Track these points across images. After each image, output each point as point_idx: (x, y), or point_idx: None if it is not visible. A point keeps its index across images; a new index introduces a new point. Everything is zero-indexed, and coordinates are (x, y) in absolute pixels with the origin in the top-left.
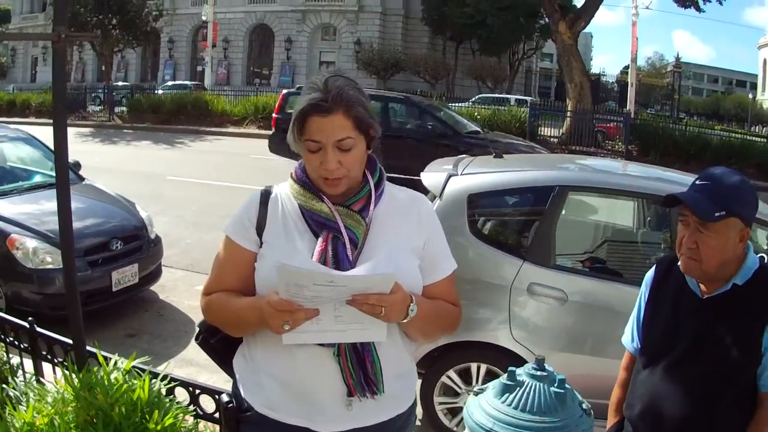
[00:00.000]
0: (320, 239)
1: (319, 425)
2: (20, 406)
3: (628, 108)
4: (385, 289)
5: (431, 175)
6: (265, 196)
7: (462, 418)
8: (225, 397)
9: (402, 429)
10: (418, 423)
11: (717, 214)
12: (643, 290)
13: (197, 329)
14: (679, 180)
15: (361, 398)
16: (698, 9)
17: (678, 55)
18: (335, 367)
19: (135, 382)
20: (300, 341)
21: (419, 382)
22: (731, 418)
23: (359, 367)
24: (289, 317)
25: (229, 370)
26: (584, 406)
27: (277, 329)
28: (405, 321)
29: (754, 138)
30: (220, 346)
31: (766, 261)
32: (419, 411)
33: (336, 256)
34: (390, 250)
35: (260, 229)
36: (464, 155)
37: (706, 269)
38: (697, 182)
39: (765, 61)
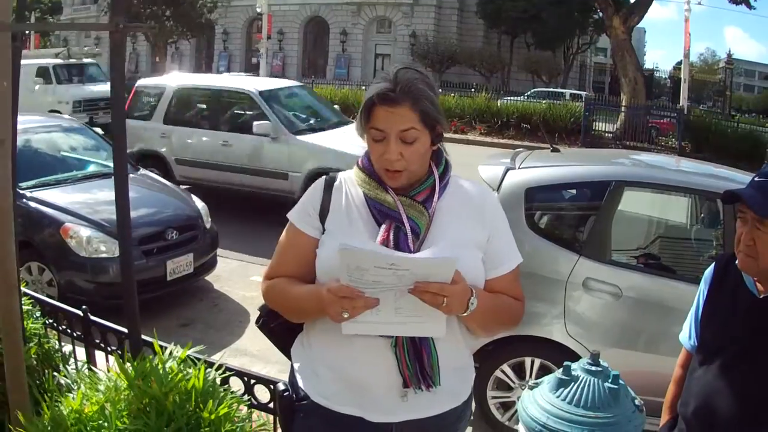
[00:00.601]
0: (382, 228)
1: (373, 416)
2: (69, 394)
3: (681, 104)
4: (447, 276)
5: (489, 168)
6: (330, 183)
7: (514, 413)
8: (281, 386)
9: (456, 423)
10: (471, 417)
11: None
12: (702, 287)
13: (258, 313)
14: (732, 177)
15: (417, 390)
16: (749, 6)
17: (730, 51)
18: (392, 358)
19: (190, 371)
20: (359, 332)
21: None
22: None
23: (416, 359)
24: (348, 305)
25: (288, 355)
26: (637, 402)
27: (336, 317)
28: (465, 314)
29: None
30: (280, 330)
31: None
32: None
33: (397, 246)
34: (452, 241)
35: (323, 215)
36: (521, 149)
37: (763, 266)
38: (756, 179)
39: None
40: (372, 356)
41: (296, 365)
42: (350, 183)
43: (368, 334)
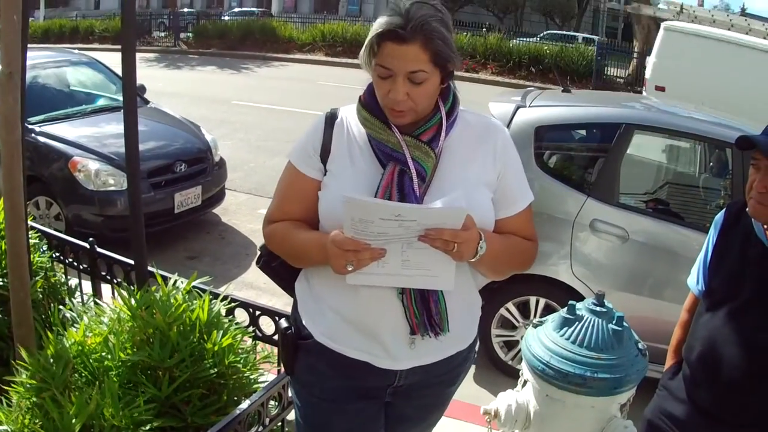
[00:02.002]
0: (386, 171)
1: (380, 361)
2: (73, 327)
3: None
4: (457, 224)
5: (499, 106)
6: (331, 120)
7: (518, 352)
8: (284, 323)
9: (462, 364)
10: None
11: None
12: (712, 233)
13: (258, 252)
14: (743, 127)
15: (424, 337)
16: None
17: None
18: (399, 306)
19: (195, 302)
20: (364, 282)
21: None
22: None
23: (423, 308)
24: (353, 257)
25: (291, 292)
26: (640, 346)
27: (340, 269)
28: (474, 260)
29: None
30: (282, 269)
31: None
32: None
33: (402, 190)
34: (461, 183)
35: (325, 155)
36: (532, 88)
37: None
38: None
39: None
40: (378, 304)
41: (300, 302)
42: (352, 120)
43: (373, 285)
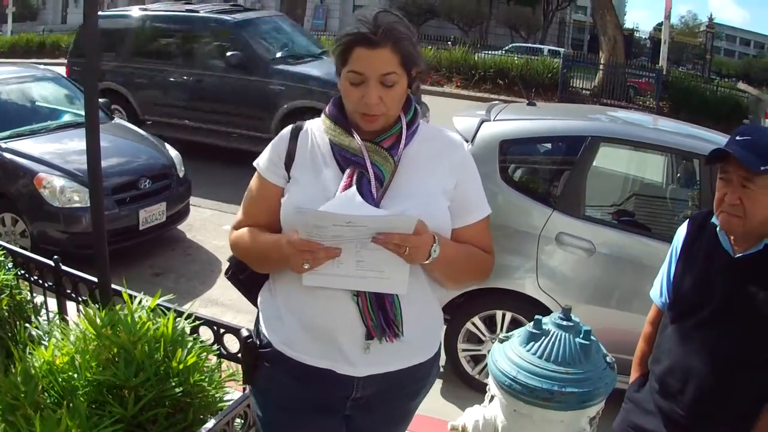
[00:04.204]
0: (346, 174)
1: (338, 366)
2: (41, 345)
3: (660, 64)
4: (407, 230)
5: (463, 120)
6: (296, 131)
7: (485, 366)
8: (244, 332)
9: (423, 379)
10: (441, 370)
11: (763, 168)
12: (675, 245)
13: (227, 264)
14: (710, 138)
15: (381, 340)
16: None
17: (711, 15)
18: (354, 309)
19: (159, 320)
20: (320, 284)
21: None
22: (758, 379)
23: (379, 309)
24: (309, 256)
25: (257, 304)
26: (608, 359)
27: (298, 268)
28: (428, 262)
29: None
30: (249, 281)
31: None
32: (443, 358)
33: (360, 192)
34: (417, 189)
35: (289, 163)
36: (497, 102)
37: (748, 226)
38: (738, 138)
39: None
40: (335, 306)
41: (262, 312)
42: (317, 130)
43: (329, 287)
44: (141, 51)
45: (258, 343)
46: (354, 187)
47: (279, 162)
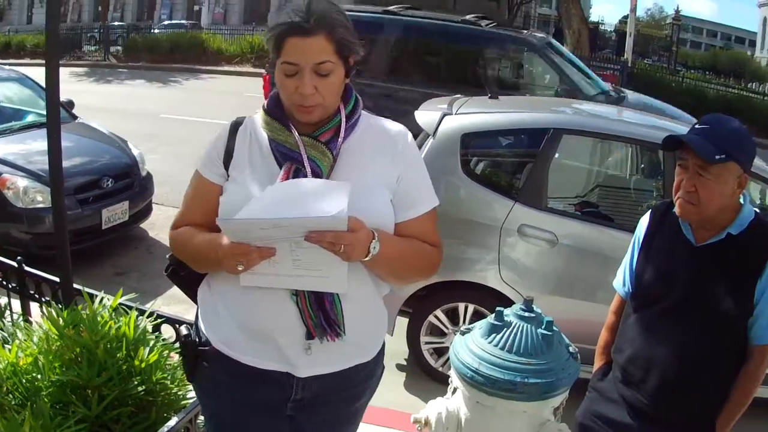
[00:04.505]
0: (282, 170)
1: (276, 366)
2: (6, 347)
3: (626, 57)
4: (339, 228)
5: (425, 114)
6: (235, 127)
7: (448, 359)
8: (183, 330)
9: (367, 380)
10: (404, 364)
11: (717, 157)
12: (638, 235)
13: (167, 261)
14: (674, 129)
15: (322, 340)
16: None
17: (678, 7)
18: (294, 308)
19: (121, 319)
20: (257, 284)
21: (407, 322)
22: (721, 368)
23: (319, 308)
24: (242, 258)
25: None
26: (571, 349)
27: (232, 270)
28: (367, 259)
29: (750, 94)
30: (190, 278)
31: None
32: (398, 353)
33: None
34: (356, 183)
35: (227, 161)
36: (459, 95)
37: (704, 214)
38: (697, 126)
39: (765, 19)
40: (273, 306)
41: (200, 309)
42: (257, 127)
43: (267, 287)
44: (401, 68)
45: (197, 340)
46: (273, 187)
47: (217, 160)
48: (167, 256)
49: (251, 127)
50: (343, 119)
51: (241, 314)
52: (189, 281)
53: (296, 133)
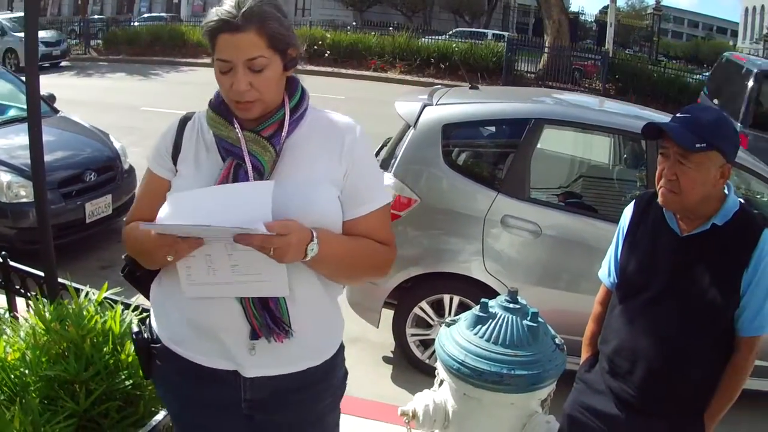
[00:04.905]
0: (224, 167)
1: (221, 363)
2: None
3: (606, 47)
4: (265, 232)
5: (405, 105)
6: (183, 122)
7: (434, 351)
8: (135, 327)
9: (321, 383)
10: (390, 357)
11: (698, 146)
12: (622, 225)
13: (123, 261)
14: (656, 118)
15: (269, 340)
16: None
17: None
18: (238, 307)
19: (107, 313)
20: (201, 294)
21: (391, 321)
22: (707, 360)
23: (263, 308)
24: (169, 249)
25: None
26: (557, 341)
27: (163, 261)
28: (306, 260)
29: None
30: (146, 278)
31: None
32: (384, 345)
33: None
34: (299, 179)
35: (176, 155)
36: (439, 86)
37: (685, 203)
38: (678, 115)
39: (746, 9)
40: (217, 304)
41: (153, 306)
42: (203, 122)
43: (211, 296)
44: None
45: (150, 338)
46: (195, 192)
47: (166, 154)
48: (123, 256)
49: (199, 122)
50: (287, 113)
51: (187, 312)
52: (144, 281)
53: (238, 129)
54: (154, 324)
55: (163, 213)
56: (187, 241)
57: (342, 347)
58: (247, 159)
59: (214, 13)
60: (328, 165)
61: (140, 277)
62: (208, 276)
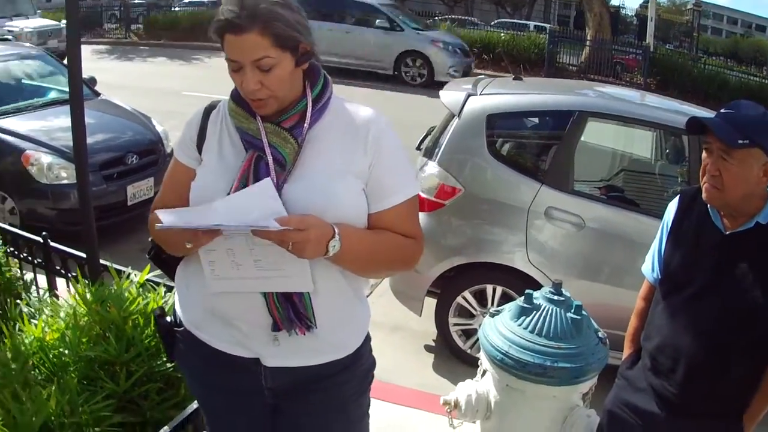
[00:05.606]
0: (245, 159)
1: (243, 352)
2: (32, 322)
3: (647, 41)
4: (278, 228)
5: (450, 94)
6: (208, 111)
7: (476, 341)
8: (158, 310)
9: (339, 375)
10: (432, 346)
11: (740, 141)
12: (666, 220)
13: (150, 244)
14: (698, 114)
15: (290, 333)
16: None
17: None
18: (260, 299)
19: (149, 295)
20: (226, 289)
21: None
22: (748, 358)
23: (286, 301)
24: (189, 237)
25: None
26: (600, 334)
27: (182, 248)
28: (329, 257)
29: None
30: (172, 261)
31: None
32: (427, 334)
33: (257, 176)
34: (321, 172)
35: (200, 144)
36: (483, 76)
37: (728, 199)
38: (722, 111)
39: None
40: (240, 295)
41: (176, 290)
42: (227, 112)
43: (236, 291)
44: None
45: (174, 321)
46: (195, 207)
47: (191, 143)
48: (149, 239)
49: (223, 111)
50: (309, 104)
51: (210, 300)
52: (170, 264)
53: (259, 120)
54: (177, 308)
55: (173, 218)
56: (205, 232)
57: (368, 339)
58: (267, 151)
59: (219, 12)
60: (352, 156)
61: (166, 260)
62: (232, 270)
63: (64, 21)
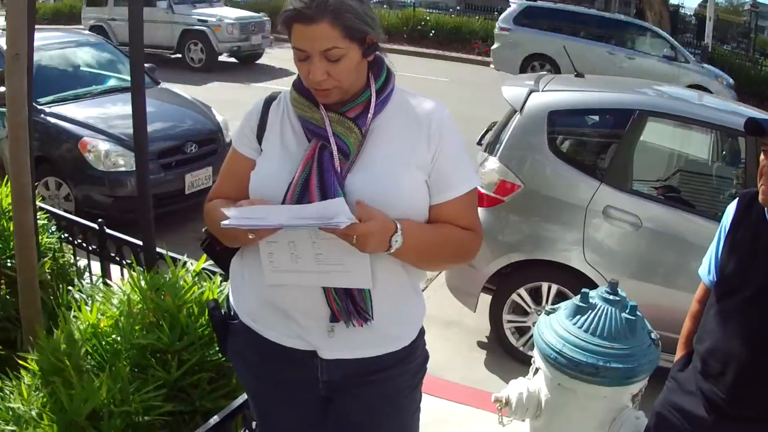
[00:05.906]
0: (309, 148)
1: (299, 345)
2: (86, 308)
3: (705, 41)
4: (345, 216)
5: (512, 90)
6: (268, 102)
7: (529, 339)
8: (211, 303)
9: (396, 368)
10: (485, 342)
11: None
12: (724, 222)
13: (204, 235)
14: (756, 115)
15: (348, 325)
16: None
17: None
18: (319, 291)
19: (204, 284)
20: (283, 282)
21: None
22: None
23: (345, 293)
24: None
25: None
26: (653, 335)
27: (244, 238)
28: (391, 252)
29: None
30: (225, 252)
31: None
32: (480, 330)
33: (321, 165)
34: (384, 162)
35: (261, 136)
36: (545, 72)
37: None
38: None
39: None
40: (299, 288)
41: (231, 282)
42: (289, 102)
43: (293, 284)
44: None
45: (228, 313)
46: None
47: (251, 134)
48: (203, 230)
49: (285, 103)
50: (374, 94)
51: (267, 292)
52: (223, 256)
53: (323, 109)
54: (231, 299)
55: (238, 216)
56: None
57: (422, 332)
58: (332, 140)
59: (289, 2)
60: (415, 148)
61: (219, 252)
62: (291, 263)
63: (262, 12)
